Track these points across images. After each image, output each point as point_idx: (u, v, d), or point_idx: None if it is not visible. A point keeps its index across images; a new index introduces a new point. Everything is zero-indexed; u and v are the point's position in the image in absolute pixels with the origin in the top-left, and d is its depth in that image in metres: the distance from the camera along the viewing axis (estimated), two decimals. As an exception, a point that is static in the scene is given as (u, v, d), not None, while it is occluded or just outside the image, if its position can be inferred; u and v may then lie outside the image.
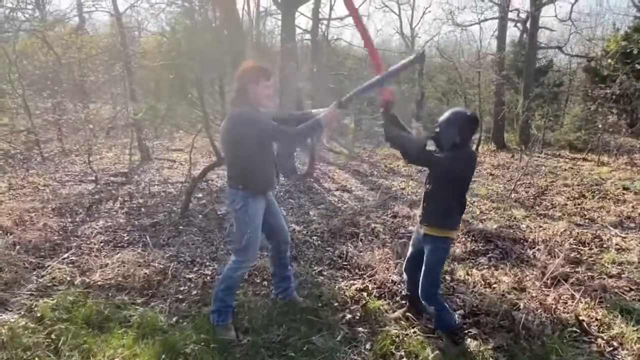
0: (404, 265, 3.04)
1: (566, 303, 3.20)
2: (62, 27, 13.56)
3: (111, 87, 13.39)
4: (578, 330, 2.87)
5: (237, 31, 7.27)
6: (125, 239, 4.48)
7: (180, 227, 4.87)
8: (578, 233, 4.79)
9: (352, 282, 3.58)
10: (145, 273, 3.56)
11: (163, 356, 2.53)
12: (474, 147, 10.06)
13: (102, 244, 4.26)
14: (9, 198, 5.86)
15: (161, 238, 4.51)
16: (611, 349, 2.74)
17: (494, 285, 3.50)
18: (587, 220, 5.47)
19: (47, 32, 11.07)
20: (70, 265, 3.78)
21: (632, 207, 5.99)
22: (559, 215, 5.71)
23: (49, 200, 5.80)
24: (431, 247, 2.67)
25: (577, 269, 3.84)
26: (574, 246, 4.44)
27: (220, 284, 2.86)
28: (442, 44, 22.08)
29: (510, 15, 15.28)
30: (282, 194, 6.59)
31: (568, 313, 3.07)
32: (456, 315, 2.88)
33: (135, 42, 13.45)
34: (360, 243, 4.41)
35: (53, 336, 2.71)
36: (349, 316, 3.05)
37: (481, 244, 4.44)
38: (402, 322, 2.96)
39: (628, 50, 10.45)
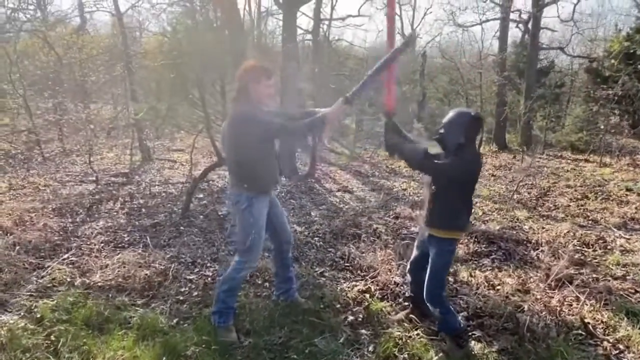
0: (407, 267, 3.00)
1: (571, 305, 3.17)
2: (64, 27, 13.56)
3: (112, 87, 13.37)
4: (583, 333, 2.84)
5: (238, 31, 7.26)
6: (126, 239, 4.45)
7: (181, 227, 4.84)
8: (582, 234, 4.75)
9: (354, 283, 3.55)
10: (146, 274, 3.53)
11: (164, 358, 2.50)
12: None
13: (102, 245, 4.23)
14: (9, 198, 5.84)
15: (162, 239, 4.48)
16: (617, 352, 2.70)
17: (498, 287, 3.47)
18: (590, 222, 5.43)
19: (49, 32, 11.06)
20: (70, 265, 3.75)
21: (636, 208, 5.95)
22: (562, 216, 5.68)
23: (50, 200, 5.78)
24: (437, 250, 2.64)
25: (581, 271, 3.81)
26: (578, 248, 4.41)
27: (222, 285, 2.84)
28: (444, 44, 22.07)
29: (512, 16, 15.27)
30: (283, 194, 6.56)
31: (573, 315, 3.04)
32: (460, 318, 2.85)
33: (137, 42, 13.46)
34: (362, 244, 4.38)
35: (52, 337, 2.68)
36: (351, 318, 3.02)
37: (484, 245, 4.41)
38: (405, 324, 2.93)
39: (631, 51, 10.41)
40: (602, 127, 11.39)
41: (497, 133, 14.24)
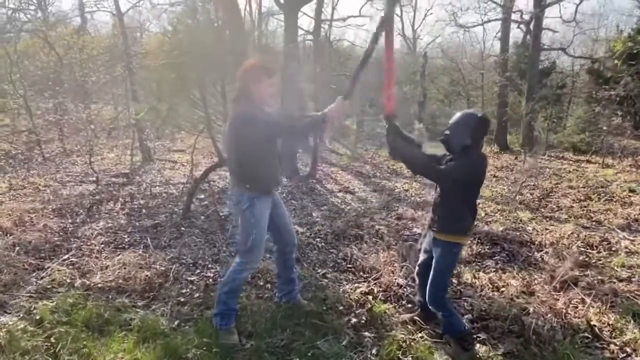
0: (415, 271, 2.97)
1: (577, 308, 3.13)
2: (64, 27, 13.54)
3: (113, 87, 13.35)
4: (590, 336, 2.80)
5: (239, 31, 7.23)
6: (126, 240, 4.42)
7: (182, 228, 4.81)
8: (585, 236, 4.71)
9: (356, 285, 3.52)
10: (147, 275, 3.49)
11: (164, 361, 2.47)
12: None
13: (102, 246, 4.20)
14: (9, 198, 5.81)
15: (162, 239, 4.45)
16: (624, 355, 2.66)
17: (502, 289, 3.43)
18: (594, 223, 5.39)
19: (49, 33, 11.05)
20: (70, 266, 3.72)
21: None
22: (565, 217, 5.64)
23: (50, 200, 5.75)
24: (441, 251, 2.61)
25: (586, 273, 3.77)
26: (582, 249, 4.37)
27: (223, 287, 2.80)
28: (445, 45, 22.06)
29: (514, 16, 15.24)
30: (284, 195, 6.53)
31: (579, 318, 3.00)
32: (464, 320, 2.82)
33: (137, 42, 13.44)
34: (364, 245, 4.35)
35: (52, 340, 2.66)
36: (354, 320, 2.98)
37: (487, 247, 4.37)
38: (409, 327, 2.89)
39: (634, 52, 10.37)
40: (604, 128, 11.35)
41: (498, 134, 14.20)
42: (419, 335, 2.81)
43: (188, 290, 3.40)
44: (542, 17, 13.79)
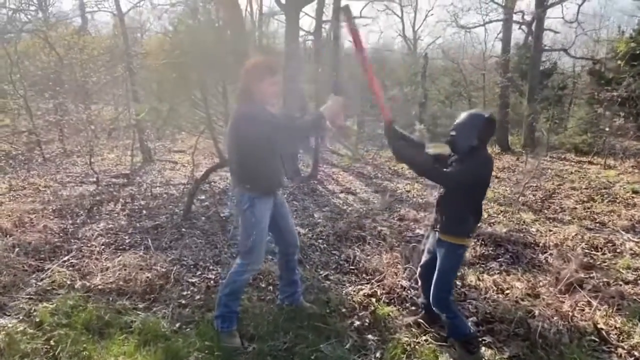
0: (418, 272, 2.93)
1: (583, 310, 3.10)
2: (65, 28, 13.51)
3: (113, 88, 13.33)
4: (597, 339, 2.77)
5: (240, 31, 7.21)
6: (127, 241, 4.38)
7: (183, 229, 4.77)
8: (590, 237, 4.67)
9: (359, 287, 3.48)
10: (147, 277, 3.45)
11: (166, 364, 2.44)
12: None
13: (103, 247, 4.16)
14: (9, 199, 5.78)
15: (163, 241, 4.41)
16: (633, 358, 2.63)
17: (507, 292, 3.39)
18: (597, 225, 5.36)
19: (50, 33, 11.02)
20: (71, 268, 3.69)
21: (643, 211, 5.87)
22: (569, 219, 5.60)
23: (50, 201, 5.71)
24: (445, 253, 2.57)
25: (591, 275, 3.73)
26: (587, 251, 4.33)
27: (224, 289, 2.77)
28: (446, 46, 22.05)
29: (515, 17, 15.21)
30: (286, 196, 6.49)
31: (585, 321, 2.96)
32: (469, 323, 2.78)
33: (138, 43, 13.41)
34: (367, 246, 4.32)
35: (52, 342, 2.62)
36: (357, 323, 2.94)
37: (491, 248, 4.34)
38: (414, 330, 2.86)
39: (637, 52, 10.33)
40: (606, 129, 11.31)
41: (499, 135, 14.15)
42: (424, 338, 2.77)
43: (189, 292, 3.36)
44: (544, 17, 13.77)
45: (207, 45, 5.34)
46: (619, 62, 9.52)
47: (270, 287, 3.44)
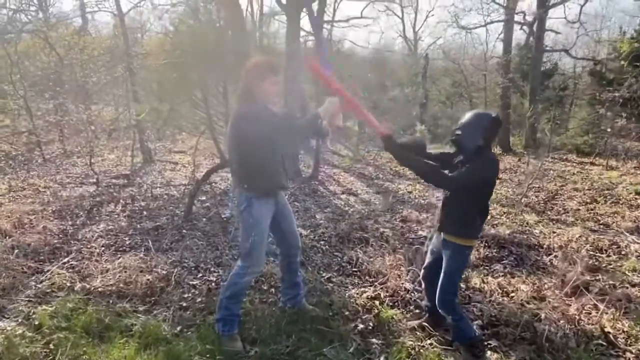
0: (422, 274, 2.90)
1: (589, 314, 3.05)
2: (65, 28, 13.47)
3: (113, 88, 13.29)
4: (604, 343, 2.73)
5: (241, 32, 7.17)
6: (127, 243, 4.34)
7: (184, 230, 4.73)
8: (594, 239, 4.63)
9: (362, 289, 3.44)
10: (148, 279, 3.41)
11: (166, 369, 2.40)
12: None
13: (103, 248, 4.12)
14: (8, 200, 5.74)
15: (164, 242, 4.37)
16: (641, 363, 2.59)
17: (512, 294, 3.35)
18: (601, 226, 5.32)
19: (50, 33, 10.98)
20: (70, 270, 3.65)
21: (647, 212, 5.83)
22: (572, 220, 5.57)
23: (50, 202, 5.67)
24: (451, 254, 2.53)
25: (597, 278, 3.69)
26: (591, 253, 4.29)
27: (225, 292, 2.72)
28: (447, 46, 22.02)
29: (517, 17, 15.18)
30: (287, 196, 6.44)
31: (592, 325, 2.92)
32: (475, 326, 2.74)
33: (138, 43, 13.38)
34: (369, 248, 4.28)
35: (51, 346, 2.58)
36: (361, 326, 2.90)
37: (495, 250, 4.29)
38: (418, 333, 2.82)
39: (640, 53, 10.31)
40: (608, 129, 11.27)
41: (501, 136, 14.11)
42: (428, 342, 2.73)
43: (190, 294, 3.32)
44: (545, 18, 13.74)
45: (208, 46, 5.31)
46: (622, 62, 9.48)
47: (272, 290, 3.40)
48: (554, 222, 5.49)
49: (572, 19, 16.48)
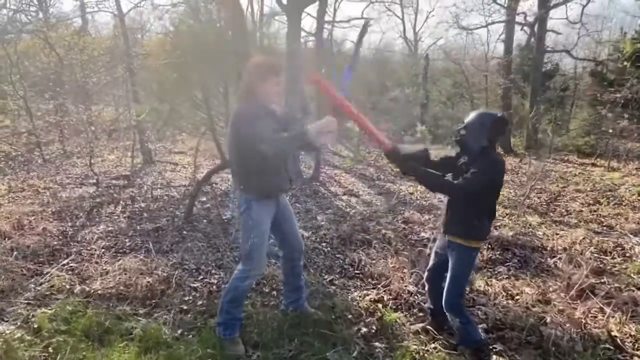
0: (425, 276, 2.86)
1: (596, 317, 3.02)
2: (65, 28, 13.44)
3: (113, 88, 13.27)
4: (611, 347, 2.69)
5: (241, 32, 7.13)
6: (127, 244, 4.30)
7: (184, 232, 4.69)
8: (598, 241, 4.59)
9: (365, 292, 3.40)
10: (148, 282, 3.37)
11: (167, 373, 2.36)
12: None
13: (103, 250, 4.09)
14: (8, 201, 5.71)
15: (164, 244, 4.33)
16: (649, 368, 2.55)
17: (517, 297, 3.31)
18: (605, 228, 5.28)
19: (50, 34, 10.95)
20: (70, 272, 3.61)
21: (651, 214, 5.80)
22: (575, 222, 5.53)
23: (49, 203, 5.64)
24: (458, 256, 2.50)
25: (602, 280, 3.65)
26: (596, 255, 4.25)
27: (226, 295, 2.69)
28: (447, 47, 22.00)
29: (518, 18, 15.16)
30: (288, 198, 6.40)
31: (599, 328, 2.88)
32: (480, 330, 2.70)
33: (138, 43, 13.35)
34: (372, 250, 4.24)
35: (51, 349, 2.56)
36: (364, 330, 2.87)
37: (498, 252, 4.26)
38: (422, 337, 2.78)
39: (642, 53, 10.28)
40: (609, 130, 11.24)
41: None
42: (432, 346, 2.70)
43: (191, 297, 3.28)
44: (547, 18, 13.71)
45: (209, 46, 5.27)
46: (625, 63, 9.44)
47: (274, 292, 3.36)
48: (557, 223, 5.45)
49: (573, 19, 16.45)
